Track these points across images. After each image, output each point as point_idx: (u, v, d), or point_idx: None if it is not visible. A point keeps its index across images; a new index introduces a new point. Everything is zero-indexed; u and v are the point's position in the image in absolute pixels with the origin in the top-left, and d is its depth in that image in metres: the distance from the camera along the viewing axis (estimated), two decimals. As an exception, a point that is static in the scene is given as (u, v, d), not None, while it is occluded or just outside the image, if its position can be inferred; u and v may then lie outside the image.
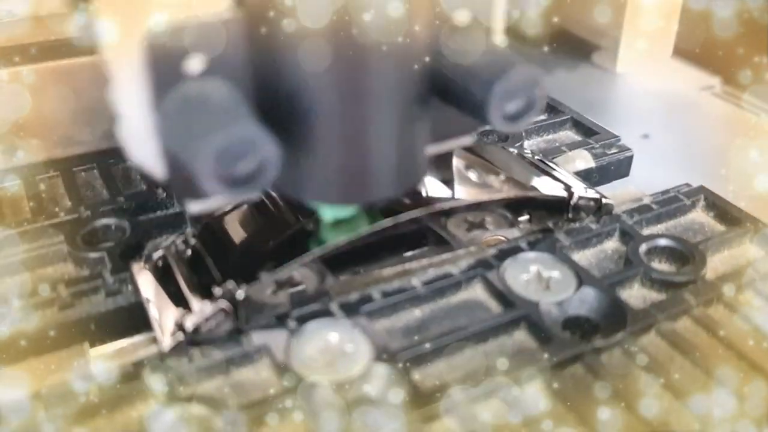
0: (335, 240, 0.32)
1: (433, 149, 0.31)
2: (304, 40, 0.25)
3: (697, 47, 0.61)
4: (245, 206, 0.35)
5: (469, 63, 0.27)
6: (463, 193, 0.36)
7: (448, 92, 0.28)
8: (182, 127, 0.24)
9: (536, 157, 0.40)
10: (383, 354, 0.29)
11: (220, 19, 0.25)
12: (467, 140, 0.32)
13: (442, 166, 0.37)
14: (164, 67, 0.25)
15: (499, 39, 0.30)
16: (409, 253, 0.35)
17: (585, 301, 0.32)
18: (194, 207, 0.28)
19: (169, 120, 0.25)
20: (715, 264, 0.35)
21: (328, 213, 0.33)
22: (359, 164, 0.28)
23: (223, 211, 0.35)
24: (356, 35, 0.25)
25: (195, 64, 0.25)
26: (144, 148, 0.27)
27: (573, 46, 0.65)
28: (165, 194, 0.36)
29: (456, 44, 0.27)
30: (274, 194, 0.35)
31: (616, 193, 0.40)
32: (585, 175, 0.42)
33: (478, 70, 0.26)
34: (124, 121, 0.27)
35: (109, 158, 0.43)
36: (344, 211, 0.33)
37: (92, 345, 0.33)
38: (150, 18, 0.24)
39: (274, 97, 0.27)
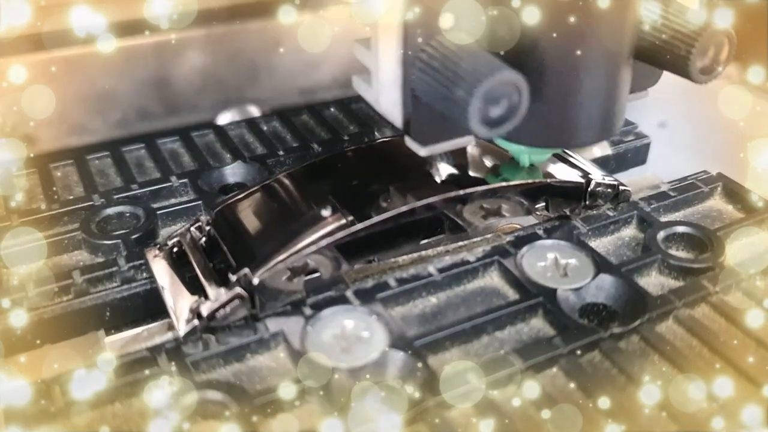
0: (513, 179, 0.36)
1: (433, 149, 0.31)
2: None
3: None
4: (259, 193, 0.35)
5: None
6: (480, 181, 0.36)
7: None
8: (444, 75, 0.27)
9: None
10: (399, 341, 0.29)
11: None
12: (468, 140, 0.31)
13: (457, 153, 0.37)
14: (417, 22, 0.28)
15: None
16: (425, 241, 0.35)
17: (602, 288, 0.32)
18: (422, 151, 0.30)
19: (428, 69, 0.28)
20: (734, 251, 0.35)
21: (526, 159, 0.36)
22: (569, 113, 0.31)
23: (236, 197, 0.35)
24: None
25: (446, 20, 0.28)
26: (389, 98, 0.30)
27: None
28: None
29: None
30: (287, 181, 0.35)
31: (634, 180, 0.39)
32: (602, 163, 0.41)
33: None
34: (375, 72, 0.30)
35: (122, 146, 0.43)
36: (540, 157, 0.36)
37: (107, 331, 0.33)
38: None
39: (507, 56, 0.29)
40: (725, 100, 0.54)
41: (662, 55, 0.31)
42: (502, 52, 0.29)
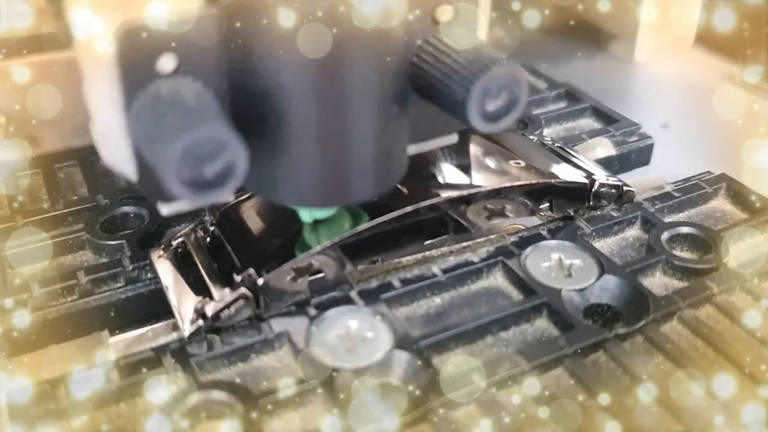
0: (319, 243, 0.32)
1: (415, 149, 0.30)
2: (279, 38, 0.25)
3: (722, 36, 0.60)
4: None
5: (450, 60, 0.26)
6: (482, 181, 0.36)
7: (429, 90, 0.27)
8: (151, 127, 0.24)
9: (556, 145, 0.40)
10: (404, 341, 0.29)
11: (193, 16, 0.25)
12: (451, 139, 0.31)
13: (460, 153, 0.37)
14: (136, 66, 0.24)
15: (483, 36, 0.30)
16: (428, 242, 0.35)
17: (607, 289, 0.32)
18: (164, 209, 0.28)
19: (139, 120, 0.24)
20: (738, 251, 0.35)
21: (306, 215, 0.32)
22: (337, 166, 0.27)
23: (242, 198, 0.35)
24: (334, 33, 0.25)
25: (167, 62, 0.25)
26: (115, 149, 0.27)
27: (590, 35, 0.64)
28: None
29: (438, 40, 0.27)
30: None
31: (637, 181, 0.39)
32: (605, 163, 0.41)
33: (458, 68, 0.26)
34: (96, 120, 0.27)
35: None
36: (323, 212, 0.32)
37: (112, 332, 0.33)
38: (122, 15, 0.24)
39: (249, 97, 0.26)
40: (727, 101, 0.54)
41: (439, 98, 0.27)
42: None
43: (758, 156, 0.43)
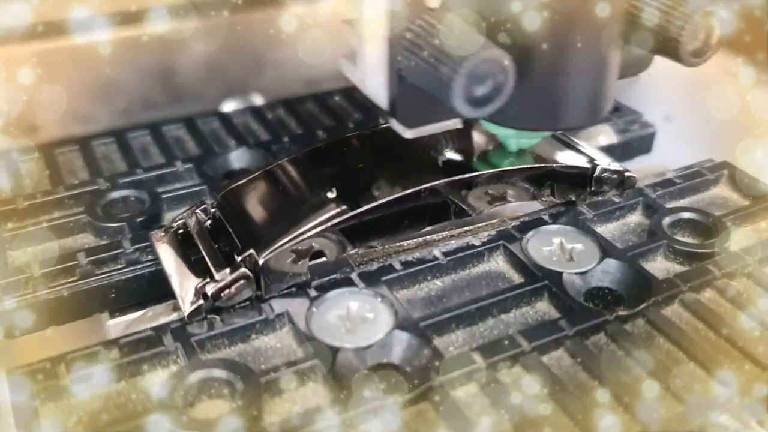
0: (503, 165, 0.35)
1: (419, 131, 0.31)
2: None
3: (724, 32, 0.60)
4: (264, 176, 0.35)
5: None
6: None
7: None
8: (428, 53, 0.26)
9: (558, 131, 0.40)
10: (404, 322, 0.29)
11: None
12: (454, 123, 0.31)
13: (463, 138, 0.37)
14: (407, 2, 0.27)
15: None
16: (429, 228, 0.35)
17: (608, 272, 0.32)
18: (408, 133, 0.30)
19: (415, 47, 0.27)
20: (739, 237, 0.35)
21: (513, 144, 0.35)
22: (557, 95, 0.30)
23: (242, 180, 0.35)
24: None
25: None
26: (374, 79, 0.30)
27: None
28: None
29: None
30: (292, 165, 0.35)
31: (639, 168, 0.39)
32: (607, 151, 0.41)
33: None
34: (361, 53, 0.30)
35: (127, 133, 0.43)
36: (529, 141, 0.36)
37: (112, 314, 0.33)
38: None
39: (501, 36, 0.29)
40: (729, 94, 0.54)
41: (653, 38, 0.30)
42: (487, 32, 0.28)
43: (759, 147, 0.43)
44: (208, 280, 0.30)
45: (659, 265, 0.33)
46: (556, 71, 0.29)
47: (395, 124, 0.30)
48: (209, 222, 0.34)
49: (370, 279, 0.31)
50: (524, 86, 0.28)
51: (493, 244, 0.33)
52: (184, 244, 0.33)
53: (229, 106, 0.48)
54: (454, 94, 0.26)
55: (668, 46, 0.30)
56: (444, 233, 0.35)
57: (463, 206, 0.35)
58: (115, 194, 0.37)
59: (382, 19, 0.28)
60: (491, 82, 0.26)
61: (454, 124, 0.31)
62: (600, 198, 0.36)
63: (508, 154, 0.36)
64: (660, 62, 0.57)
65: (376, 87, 0.30)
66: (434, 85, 0.27)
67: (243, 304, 0.30)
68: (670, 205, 0.36)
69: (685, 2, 0.30)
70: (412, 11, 0.28)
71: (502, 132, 0.35)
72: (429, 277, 0.32)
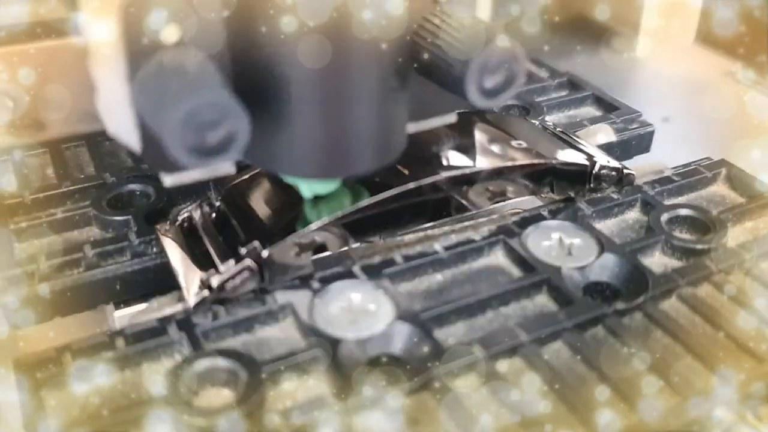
0: (319, 219, 0.32)
1: (414, 127, 0.31)
2: (282, 10, 0.25)
3: (723, 33, 0.60)
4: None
5: (449, 36, 0.27)
6: (484, 161, 0.36)
7: (428, 66, 0.28)
8: (154, 95, 0.24)
9: (558, 129, 0.40)
10: (405, 313, 0.30)
11: None
12: (450, 118, 0.32)
13: (462, 134, 0.38)
14: (140, 36, 0.25)
15: (483, 13, 0.30)
16: (429, 224, 0.36)
17: (606, 267, 0.33)
18: (168, 180, 0.28)
19: (143, 88, 0.24)
20: (736, 234, 0.35)
21: (307, 190, 0.32)
22: (336, 137, 0.28)
23: (247, 174, 0.35)
24: (336, 7, 0.25)
25: (170, 33, 0.25)
26: (120, 120, 0.27)
27: (592, 30, 0.65)
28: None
29: (437, 17, 0.28)
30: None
31: (638, 166, 0.40)
32: (606, 150, 0.41)
33: (457, 44, 0.26)
34: (101, 92, 0.28)
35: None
36: (324, 187, 0.33)
37: (117, 306, 0.33)
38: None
39: (251, 68, 0.27)
40: (726, 96, 0.55)
41: (439, 73, 0.27)
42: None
43: (756, 146, 0.43)
44: (212, 271, 0.31)
45: (657, 261, 0.34)
46: (332, 114, 0.27)
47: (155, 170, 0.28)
48: (214, 215, 0.34)
49: (372, 272, 0.32)
50: (298, 132, 0.27)
51: (493, 239, 0.34)
52: (189, 237, 0.34)
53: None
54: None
55: (454, 85, 0.27)
56: (445, 228, 0.35)
57: (464, 202, 0.35)
58: (121, 188, 0.38)
59: (116, 50, 0.25)
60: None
61: (226, 170, 0.28)
62: (599, 195, 0.37)
63: (336, 197, 0.33)
64: (659, 63, 0.58)
65: (125, 129, 0.27)
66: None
67: (247, 296, 0.31)
68: (668, 202, 0.37)
69: (473, 22, 0.27)
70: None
71: (292, 180, 0.32)
72: (430, 271, 0.33)
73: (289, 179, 0.32)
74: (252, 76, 0.27)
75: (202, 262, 0.32)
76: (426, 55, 0.27)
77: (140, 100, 0.25)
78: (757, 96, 0.55)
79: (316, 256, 0.32)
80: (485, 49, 0.26)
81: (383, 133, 0.29)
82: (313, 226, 0.32)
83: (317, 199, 0.33)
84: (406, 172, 0.35)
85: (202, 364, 0.27)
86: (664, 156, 0.44)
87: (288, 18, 0.25)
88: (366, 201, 0.32)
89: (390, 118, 0.29)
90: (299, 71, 0.26)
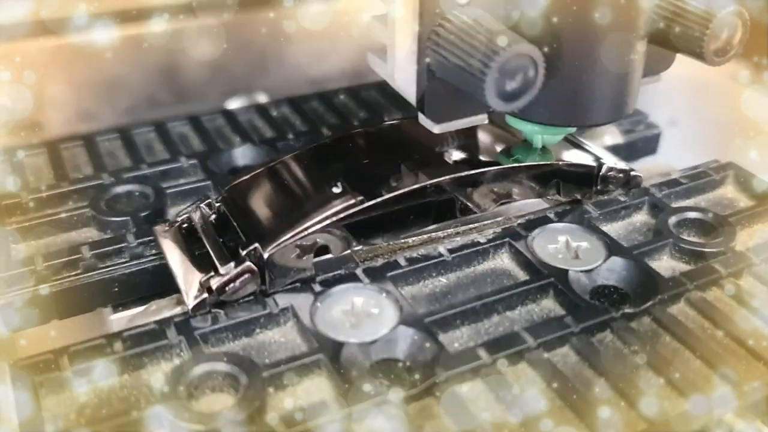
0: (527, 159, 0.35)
1: (446, 126, 0.31)
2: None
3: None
4: (270, 171, 0.35)
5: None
6: (489, 163, 0.35)
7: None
8: (462, 47, 0.27)
9: (584, 128, 0.40)
10: (409, 318, 0.29)
11: None
12: (481, 118, 0.31)
13: (469, 136, 0.37)
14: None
15: None
16: (433, 226, 0.35)
17: (614, 270, 0.32)
18: (437, 128, 0.31)
19: (447, 42, 0.27)
20: (744, 237, 0.34)
21: (538, 140, 0.35)
22: (583, 92, 0.31)
23: (247, 175, 0.35)
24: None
25: None
26: (404, 74, 0.30)
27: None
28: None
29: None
30: (298, 161, 0.35)
31: (645, 167, 0.39)
32: (613, 152, 0.41)
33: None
34: (389, 50, 0.31)
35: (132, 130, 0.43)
36: (552, 139, 0.36)
37: (115, 309, 0.33)
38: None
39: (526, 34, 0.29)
40: (733, 98, 0.54)
41: (676, 37, 0.31)
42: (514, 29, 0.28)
43: (765, 148, 0.43)
44: (212, 274, 0.30)
45: (665, 264, 0.33)
46: (582, 69, 0.30)
47: (423, 119, 0.30)
48: (214, 217, 0.34)
49: (375, 275, 0.31)
50: (551, 82, 0.28)
51: (498, 242, 0.33)
52: (188, 239, 0.33)
53: (234, 104, 0.48)
54: (486, 88, 0.26)
55: (691, 45, 0.30)
56: (449, 230, 0.34)
57: (469, 204, 0.35)
58: (120, 189, 0.37)
59: (413, 15, 0.28)
60: (522, 77, 0.27)
61: (482, 119, 0.31)
62: (606, 197, 0.36)
63: (532, 150, 0.36)
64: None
65: (405, 82, 0.30)
66: (465, 80, 0.27)
67: (247, 299, 0.30)
68: (675, 204, 0.36)
69: (709, 1, 0.30)
70: (443, 7, 0.28)
71: (527, 128, 0.35)
72: (434, 274, 0.32)
73: (527, 131, 0.35)
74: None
75: (202, 264, 0.31)
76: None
77: (439, 53, 0.28)
78: (764, 98, 0.54)
79: (318, 259, 0.32)
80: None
81: (620, 92, 0.32)
82: (315, 227, 0.31)
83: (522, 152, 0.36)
84: (410, 172, 0.35)
85: (202, 367, 0.27)
86: (671, 156, 0.44)
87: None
88: (376, 199, 0.32)
89: (627, 81, 0.31)
90: (564, 37, 0.29)
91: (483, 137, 0.37)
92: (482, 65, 0.26)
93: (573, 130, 0.35)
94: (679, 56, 0.33)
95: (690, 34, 0.30)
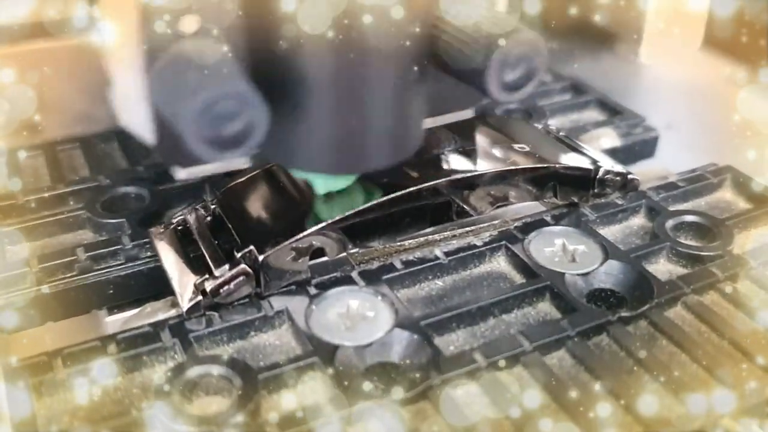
0: (330, 217, 0.31)
1: (430, 122, 0.30)
2: (301, 4, 0.25)
3: (729, 39, 0.60)
4: (265, 173, 0.35)
5: (468, 30, 0.26)
6: (487, 165, 0.35)
7: (447, 61, 0.27)
8: (172, 85, 0.23)
9: (561, 134, 0.40)
10: (405, 321, 0.29)
11: None
12: (466, 113, 0.31)
13: (466, 138, 0.37)
14: (159, 26, 0.24)
15: (501, 6, 0.30)
16: (429, 229, 0.35)
17: (611, 274, 0.32)
18: (181, 173, 0.28)
19: (161, 79, 0.24)
20: (742, 240, 0.34)
21: (320, 186, 0.32)
22: (353, 132, 0.27)
23: (243, 177, 0.34)
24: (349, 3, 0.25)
25: (189, 23, 0.25)
26: (134, 112, 0.27)
27: (595, 36, 0.64)
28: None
29: (456, 11, 0.27)
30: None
31: (642, 171, 0.39)
32: (610, 155, 0.41)
33: (477, 38, 0.26)
34: (116, 84, 0.27)
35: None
36: (337, 184, 0.32)
37: (110, 311, 0.33)
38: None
39: (268, 62, 0.26)
40: (732, 102, 0.54)
41: (458, 67, 0.27)
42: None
43: (762, 152, 0.43)
44: (207, 276, 0.30)
45: (662, 268, 0.33)
46: (350, 110, 0.27)
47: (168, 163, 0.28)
48: (209, 219, 0.33)
49: (371, 278, 0.31)
50: (316, 126, 0.26)
51: (494, 245, 0.33)
52: (183, 241, 0.33)
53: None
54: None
55: (474, 77, 0.26)
56: (445, 233, 0.34)
57: (465, 207, 0.35)
58: (115, 191, 0.37)
59: (133, 45, 0.25)
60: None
61: (239, 164, 0.28)
62: (603, 200, 0.36)
63: (349, 196, 0.32)
64: (661, 73, 0.57)
65: (138, 122, 0.27)
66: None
67: (242, 301, 0.30)
68: (673, 207, 0.36)
69: (497, 19, 0.26)
70: (167, 36, 0.25)
71: (305, 176, 0.32)
72: (430, 277, 0.32)
73: (304, 175, 0.32)
74: (269, 70, 0.26)
75: (197, 266, 0.31)
76: (445, 49, 0.27)
77: (157, 91, 0.24)
78: (762, 101, 0.54)
79: (313, 261, 0.32)
80: (507, 41, 0.25)
81: (399, 129, 0.29)
82: (322, 224, 0.31)
83: (329, 196, 0.32)
84: (411, 174, 0.35)
85: (196, 370, 0.27)
86: (667, 161, 0.44)
87: (303, 15, 0.25)
88: (374, 201, 0.32)
89: (406, 115, 0.29)
90: (315, 67, 0.26)
91: (480, 140, 0.37)
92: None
93: (353, 177, 0.32)
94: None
95: (471, 65, 0.26)
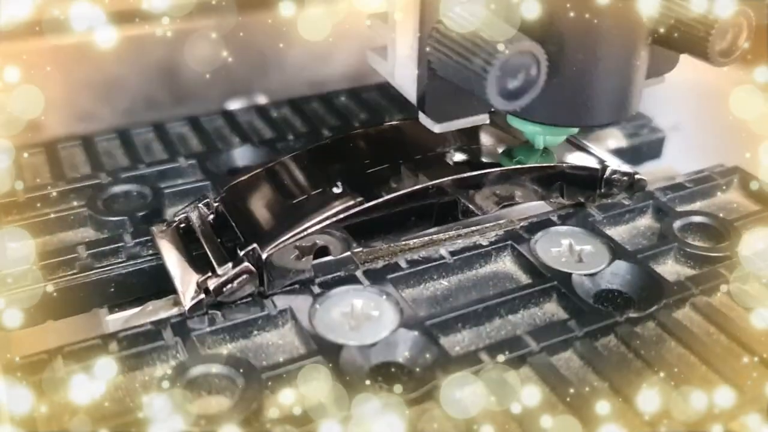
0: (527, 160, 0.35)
1: (447, 126, 0.31)
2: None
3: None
4: (269, 172, 0.34)
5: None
6: (492, 165, 0.35)
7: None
8: (464, 44, 0.26)
9: (585, 128, 0.39)
10: (410, 320, 0.29)
11: None
12: (482, 118, 0.31)
13: (472, 138, 0.37)
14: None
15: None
16: (435, 228, 0.34)
17: (618, 274, 0.32)
18: (437, 128, 0.31)
19: (448, 40, 0.27)
20: (750, 242, 0.34)
21: (539, 141, 0.35)
22: (591, 93, 0.31)
23: (246, 176, 0.34)
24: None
25: None
26: (404, 72, 0.30)
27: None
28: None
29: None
30: (297, 161, 0.35)
31: (649, 171, 0.39)
32: (617, 156, 0.40)
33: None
34: (390, 48, 0.30)
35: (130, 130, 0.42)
36: (556, 140, 0.35)
37: (111, 310, 0.33)
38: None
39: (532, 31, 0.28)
40: (738, 103, 0.54)
41: (681, 38, 0.30)
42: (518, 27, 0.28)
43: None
44: (209, 274, 0.30)
45: (670, 268, 0.33)
46: (585, 68, 0.30)
47: (424, 118, 0.30)
48: (212, 217, 0.33)
49: (376, 277, 0.31)
50: (553, 82, 0.28)
51: (500, 244, 0.33)
52: (185, 239, 0.32)
53: (233, 104, 0.48)
54: (488, 86, 0.26)
55: (696, 47, 0.30)
56: (451, 233, 0.34)
57: (471, 206, 0.34)
58: (117, 188, 0.37)
59: (414, 12, 0.28)
60: (524, 75, 0.27)
61: (483, 119, 0.31)
62: (610, 200, 0.36)
63: (534, 151, 0.35)
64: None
65: (405, 80, 0.30)
66: (466, 78, 0.27)
67: (245, 300, 0.30)
68: (680, 208, 0.36)
69: (713, 2, 0.30)
70: (444, 4, 0.27)
71: (528, 128, 0.34)
72: (435, 277, 0.32)
73: (528, 134, 0.35)
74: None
75: (199, 264, 0.31)
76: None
77: (440, 51, 0.27)
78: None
79: (317, 260, 0.31)
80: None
81: (623, 93, 0.31)
82: (314, 228, 0.31)
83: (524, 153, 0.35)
84: (411, 174, 0.35)
85: (198, 369, 0.26)
86: (674, 162, 0.44)
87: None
88: (377, 200, 0.31)
89: (630, 82, 0.31)
90: (575, 41, 0.29)
91: (485, 138, 0.37)
92: (484, 63, 0.26)
93: (575, 130, 0.35)
94: (683, 59, 0.33)
95: (694, 35, 0.30)
